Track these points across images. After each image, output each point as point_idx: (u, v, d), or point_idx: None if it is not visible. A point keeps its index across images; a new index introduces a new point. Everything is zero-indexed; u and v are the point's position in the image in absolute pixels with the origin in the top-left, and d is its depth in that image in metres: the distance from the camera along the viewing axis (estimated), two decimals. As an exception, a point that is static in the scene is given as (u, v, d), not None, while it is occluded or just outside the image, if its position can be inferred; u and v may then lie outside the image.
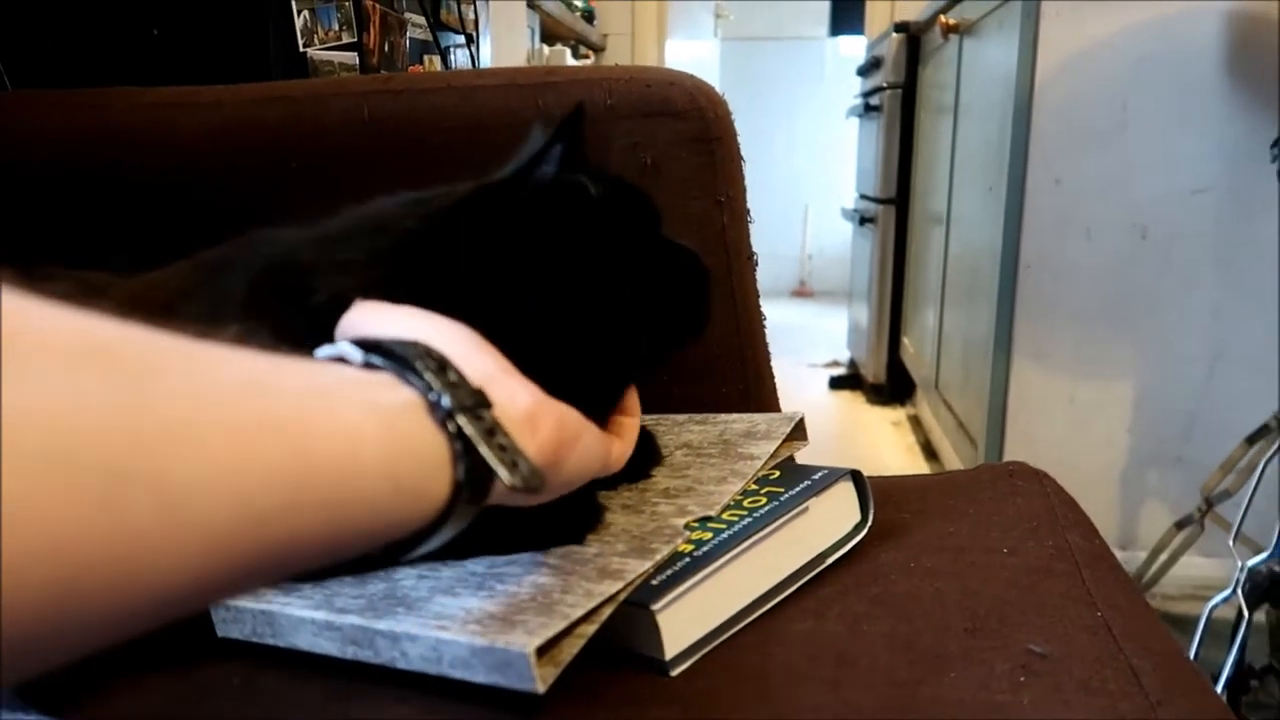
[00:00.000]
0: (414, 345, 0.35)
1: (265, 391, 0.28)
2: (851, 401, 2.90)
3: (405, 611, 0.43)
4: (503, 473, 0.34)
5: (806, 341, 3.68)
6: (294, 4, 0.94)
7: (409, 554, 0.35)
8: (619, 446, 0.48)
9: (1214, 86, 1.47)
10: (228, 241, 0.57)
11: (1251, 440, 1.34)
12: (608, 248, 0.50)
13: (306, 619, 0.45)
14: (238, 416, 0.26)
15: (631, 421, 0.52)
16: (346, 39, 1.04)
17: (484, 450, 0.34)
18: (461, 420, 0.33)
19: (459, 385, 0.34)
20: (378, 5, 1.11)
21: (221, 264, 0.55)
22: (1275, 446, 1.27)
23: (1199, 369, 1.55)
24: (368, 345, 0.35)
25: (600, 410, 0.47)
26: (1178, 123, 1.49)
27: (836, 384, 3.04)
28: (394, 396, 0.33)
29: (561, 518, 0.46)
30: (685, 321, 0.54)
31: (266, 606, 0.46)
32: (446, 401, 0.33)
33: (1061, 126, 1.53)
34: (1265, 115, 1.44)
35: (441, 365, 0.35)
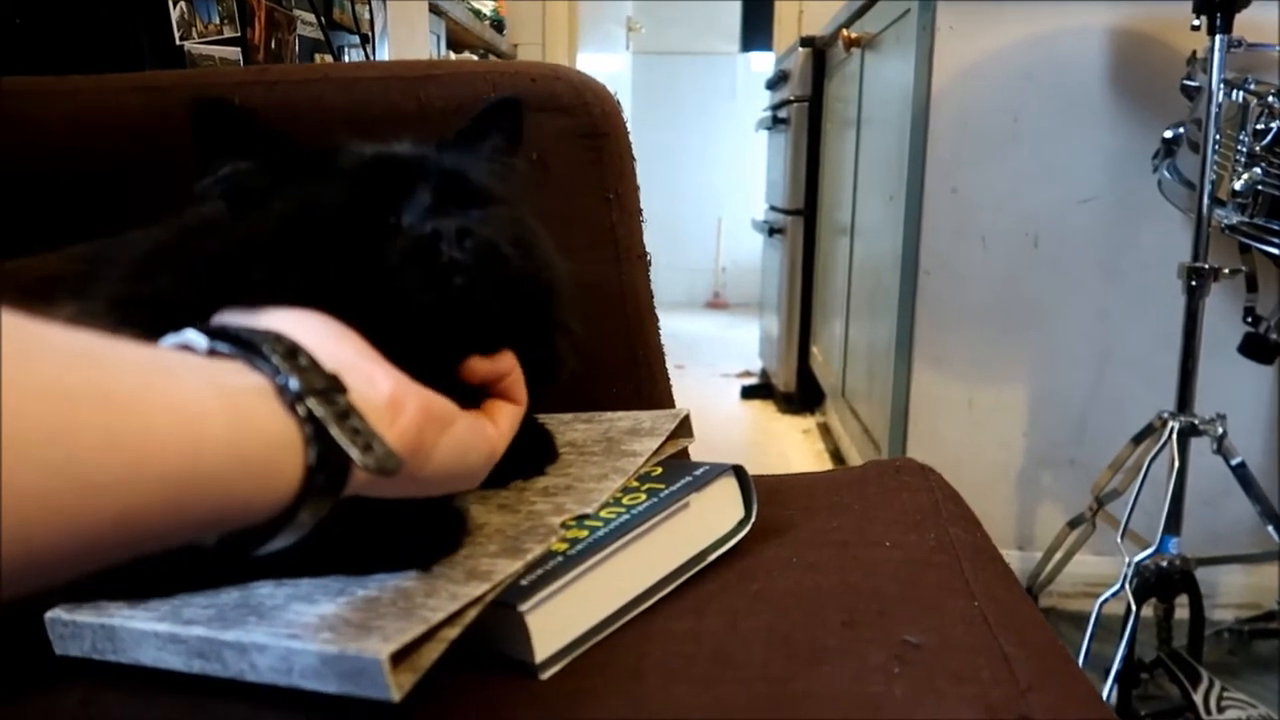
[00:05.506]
0: (262, 332, 0.35)
1: (99, 362, 0.27)
2: (763, 410, 2.93)
3: (256, 620, 0.40)
4: (355, 454, 0.34)
5: (720, 352, 3.70)
6: (169, -6, 0.90)
7: (270, 543, 0.34)
8: (492, 430, 0.46)
9: (1098, 100, 1.53)
10: (100, 238, 0.55)
11: (1138, 440, 1.38)
12: None
13: (149, 632, 0.42)
14: (63, 382, 0.25)
15: (509, 407, 0.48)
16: (229, 33, 1.00)
17: (335, 432, 0.33)
18: (311, 403, 0.33)
19: (310, 369, 0.34)
20: (263, 0, 1.07)
21: (97, 257, 0.54)
22: (1159, 445, 1.32)
23: (1088, 372, 1.60)
24: (214, 332, 0.35)
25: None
26: (1065, 134, 1.54)
27: (748, 393, 3.06)
28: (240, 380, 0.32)
29: (417, 538, 0.44)
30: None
31: (107, 620, 0.43)
32: (295, 385, 0.33)
33: (957, 137, 1.56)
34: (1146, 127, 1.50)
35: (292, 351, 0.34)
